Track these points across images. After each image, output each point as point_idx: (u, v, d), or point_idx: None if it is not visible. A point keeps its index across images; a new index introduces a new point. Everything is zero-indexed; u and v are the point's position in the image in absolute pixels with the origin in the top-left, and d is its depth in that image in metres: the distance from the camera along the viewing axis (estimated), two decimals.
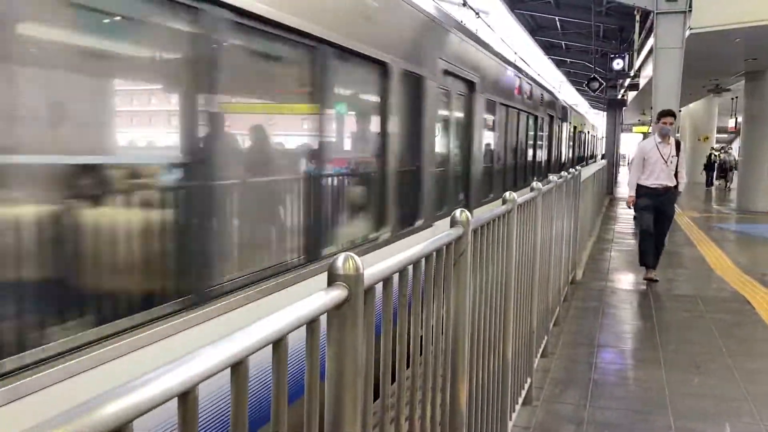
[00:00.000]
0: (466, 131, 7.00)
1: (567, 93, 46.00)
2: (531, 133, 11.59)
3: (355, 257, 1.41)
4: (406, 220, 5.07)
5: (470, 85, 6.94)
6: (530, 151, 11.69)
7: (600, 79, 18.97)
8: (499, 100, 8.45)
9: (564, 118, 16.60)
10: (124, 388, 0.80)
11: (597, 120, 43.89)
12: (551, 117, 13.99)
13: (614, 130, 26.05)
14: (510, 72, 9.31)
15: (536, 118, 11.86)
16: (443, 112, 6.12)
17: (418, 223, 5.30)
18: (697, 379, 4.60)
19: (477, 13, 16.06)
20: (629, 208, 8.25)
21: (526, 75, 10.97)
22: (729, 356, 5.06)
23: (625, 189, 17.79)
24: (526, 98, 10.50)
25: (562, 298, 6.31)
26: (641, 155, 7.81)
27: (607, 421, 3.87)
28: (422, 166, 5.36)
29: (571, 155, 19.23)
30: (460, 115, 6.83)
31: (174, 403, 0.91)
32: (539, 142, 12.59)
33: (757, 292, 7.27)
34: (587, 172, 9.24)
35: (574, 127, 19.99)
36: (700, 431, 3.77)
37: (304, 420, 1.32)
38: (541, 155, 13.23)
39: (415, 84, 5.12)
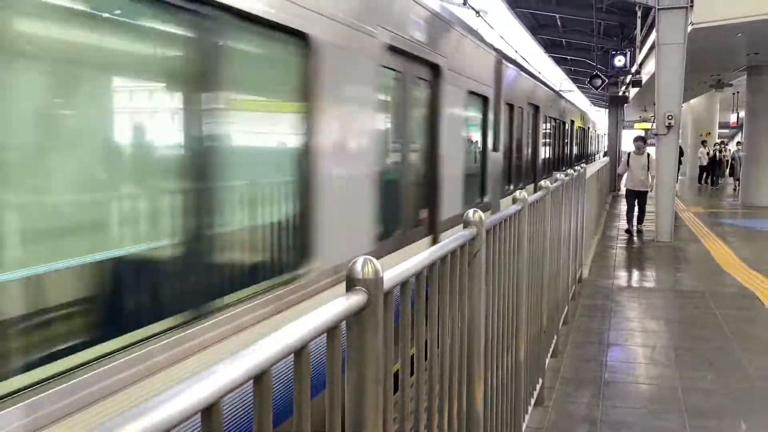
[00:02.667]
0: (579, 138, 19.60)
1: (568, 90, 45.96)
2: (580, 136, 22.66)
3: (374, 260, 1.37)
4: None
5: (572, 121, 16.56)
6: (579, 146, 22.77)
7: (602, 76, 18.91)
8: (581, 125, 18.10)
9: (589, 123, 29.16)
10: (141, 407, 0.76)
11: (598, 117, 44.02)
12: (580, 126, 23.63)
13: (616, 127, 25.97)
14: (579, 111, 18.96)
15: (583, 128, 22.94)
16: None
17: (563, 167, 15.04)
18: (711, 375, 4.56)
19: (477, 12, 16.04)
20: None
21: (583, 110, 23.16)
22: (742, 352, 5.02)
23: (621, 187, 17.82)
24: (579, 119, 21.12)
25: (569, 296, 6.27)
26: None
27: (621, 421, 3.83)
28: (558, 155, 15.29)
29: (590, 150, 31.72)
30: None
31: None
32: (579, 141, 22.72)
33: (766, 287, 7.22)
34: (592, 169, 9.27)
35: (593, 129, 32.78)
36: (715, 429, 3.73)
37: (326, 427, 1.29)
38: (583, 148, 24.38)
39: (560, 124, 15.68)
